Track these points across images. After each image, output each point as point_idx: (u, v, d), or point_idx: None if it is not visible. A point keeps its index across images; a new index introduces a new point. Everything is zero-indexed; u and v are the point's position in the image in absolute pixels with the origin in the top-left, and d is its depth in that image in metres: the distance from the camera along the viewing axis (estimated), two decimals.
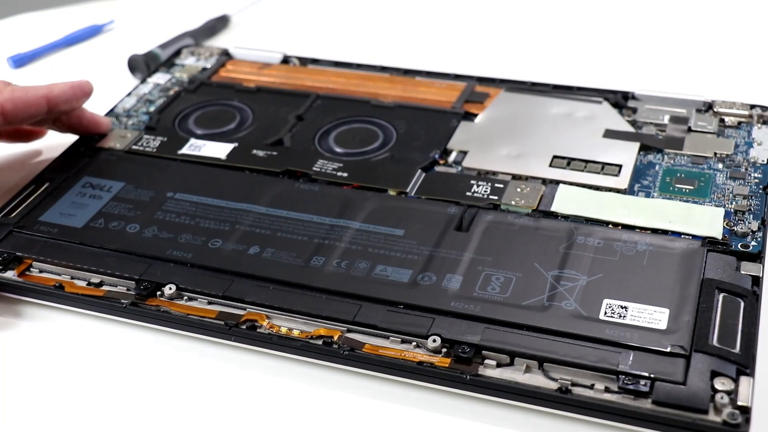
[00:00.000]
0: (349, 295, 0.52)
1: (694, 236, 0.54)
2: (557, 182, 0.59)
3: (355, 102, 0.70)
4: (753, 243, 0.53)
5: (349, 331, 0.50)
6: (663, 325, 0.48)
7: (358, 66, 0.75)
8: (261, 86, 0.73)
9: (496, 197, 0.58)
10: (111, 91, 0.74)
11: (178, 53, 0.79)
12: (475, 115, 0.67)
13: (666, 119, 0.65)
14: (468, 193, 0.59)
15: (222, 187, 0.61)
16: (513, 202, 0.57)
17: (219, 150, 0.65)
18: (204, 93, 0.73)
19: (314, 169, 0.62)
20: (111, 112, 0.71)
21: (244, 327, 0.51)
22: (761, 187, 0.57)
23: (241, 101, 0.71)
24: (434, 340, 0.49)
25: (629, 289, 0.50)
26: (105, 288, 0.54)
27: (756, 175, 0.58)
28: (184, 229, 0.57)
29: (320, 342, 0.50)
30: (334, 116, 0.68)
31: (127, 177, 0.62)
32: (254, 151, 0.64)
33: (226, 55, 0.78)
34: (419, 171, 0.61)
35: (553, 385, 0.46)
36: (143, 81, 0.75)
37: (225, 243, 0.56)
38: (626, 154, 0.61)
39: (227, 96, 0.72)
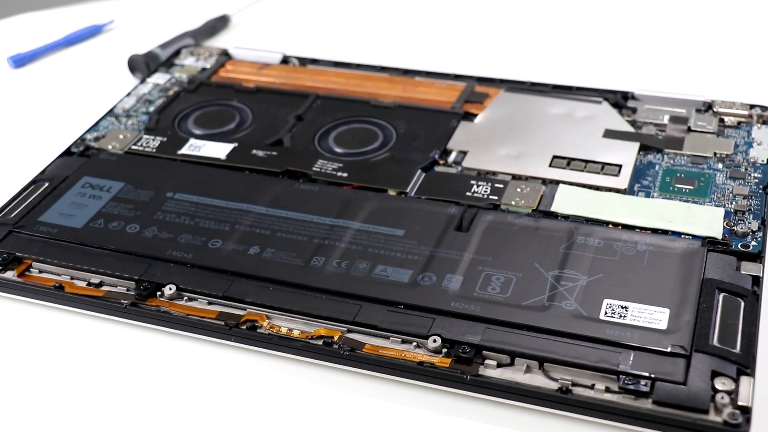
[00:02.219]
0: (349, 296, 0.52)
1: (694, 236, 0.54)
2: (557, 182, 0.59)
3: (354, 102, 0.70)
4: (753, 243, 0.53)
5: (349, 331, 0.50)
6: (663, 325, 0.48)
7: (358, 66, 0.75)
8: (260, 86, 0.73)
9: (496, 197, 0.58)
10: (111, 91, 0.74)
11: (177, 53, 0.79)
12: (475, 115, 0.67)
13: (666, 119, 0.65)
14: (468, 193, 0.59)
15: (222, 187, 0.61)
16: (513, 202, 0.57)
17: (219, 150, 0.65)
18: (203, 93, 0.73)
19: (314, 169, 0.62)
20: (110, 113, 0.71)
21: (244, 327, 0.51)
22: (761, 187, 0.57)
23: (241, 101, 0.71)
24: (434, 341, 0.49)
25: (629, 289, 0.50)
26: (105, 288, 0.54)
27: (756, 175, 0.58)
28: (184, 230, 0.57)
29: (320, 342, 0.50)
30: (334, 116, 0.68)
31: (127, 177, 0.62)
32: (254, 151, 0.64)
33: (225, 56, 0.78)
34: (419, 171, 0.61)
35: (554, 385, 0.46)
36: (143, 81, 0.75)
37: (225, 243, 0.56)
38: (626, 154, 0.61)
39: (227, 96, 0.72)
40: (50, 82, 0.79)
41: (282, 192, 0.60)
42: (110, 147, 0.66)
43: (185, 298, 0.53)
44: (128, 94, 0.73)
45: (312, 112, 0.69)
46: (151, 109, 0.71)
